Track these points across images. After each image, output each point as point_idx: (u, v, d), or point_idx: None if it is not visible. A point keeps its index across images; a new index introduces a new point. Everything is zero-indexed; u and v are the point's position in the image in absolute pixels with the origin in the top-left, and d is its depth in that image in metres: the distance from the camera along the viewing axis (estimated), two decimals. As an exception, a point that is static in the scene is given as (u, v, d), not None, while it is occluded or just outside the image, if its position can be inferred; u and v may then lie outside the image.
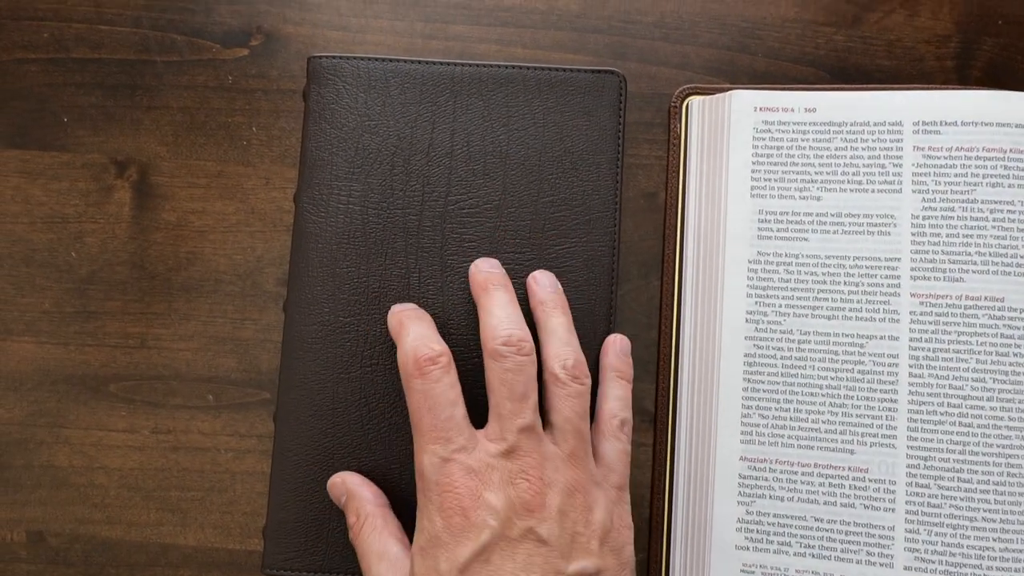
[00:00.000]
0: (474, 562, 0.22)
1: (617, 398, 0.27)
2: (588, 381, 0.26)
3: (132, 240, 0.33)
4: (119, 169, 0.34)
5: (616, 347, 0.28)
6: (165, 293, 0.33)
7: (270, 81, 0.34)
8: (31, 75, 0.34)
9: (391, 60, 0.30)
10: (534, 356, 0.25)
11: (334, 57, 0.30)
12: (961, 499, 0.28)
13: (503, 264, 0.29)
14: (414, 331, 0.26)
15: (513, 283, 0.29)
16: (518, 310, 0.26)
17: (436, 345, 0.25)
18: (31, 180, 0.34)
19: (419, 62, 0.30)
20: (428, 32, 0.34)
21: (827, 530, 0.29)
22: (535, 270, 0.28)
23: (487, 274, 0.27)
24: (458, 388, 0.25)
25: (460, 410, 0.24)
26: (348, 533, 0.26)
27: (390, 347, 0.29)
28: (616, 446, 0.26)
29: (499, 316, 0.25)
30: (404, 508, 0.28)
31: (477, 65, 0.30)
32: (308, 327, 0.29)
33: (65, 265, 0.33)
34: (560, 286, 0.28)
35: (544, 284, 0.28)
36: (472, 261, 0.29)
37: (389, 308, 0.29)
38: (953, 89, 0.31)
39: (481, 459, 0.24)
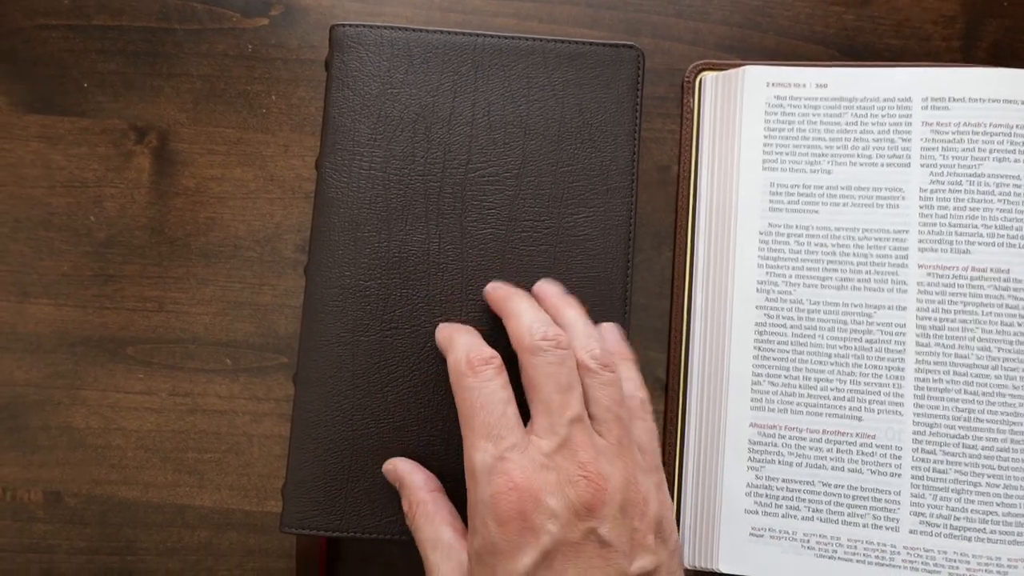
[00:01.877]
0: (536, 570, 0.21)
1: (630, 379, 0.27)
2: (616, 368, 0.25)
3: (151, 205, 0.34)
4: (139, 135, 0.34)
5: (612, 335, 0.28)
6: (184, 258, 0.33)
7: (289, 51, 0.34)
8: (52, 41, 0.34)
9: (414, 30, 0.31)
10: (571, 350, 0.25)
11: (358, 25, 0.31)
12: (966, 465, 0.29)
13: (522, 232, 0.30)
14: (464, 340, 0.26)
15: (535, 252, 0.29)
16: (544, 313, 0.26)
17: (487, 350, 0.25)
18: (51, 145, 0.34)
19: (442, 32, 0.31)
20: (446, 5, 0.35)
21: (834, 494, 0.30)
22: (543, 279, 0.29)
23: (504, 288, 0.28)
24: (511, 390, 0.24)
25: (513, 408, 0.24)
26: (406, 519, 0.26)
27: (410, 311, 0.29)
28: (643, 426, 0.26)
29: (530, 316, 0.25)
30: (428, 468, 0.28)
31: (499, 37, 0.31)
32: (329, 290, 0.29)
33: (84, 229, 0.33)
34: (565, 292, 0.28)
35: (549, 290, 0.28)
36: (492, 228, 0.29)
37: (409, 272, 0.29)
38: (962, 67, 0.31)
39: (535, 458, 0.23)
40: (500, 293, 0.27)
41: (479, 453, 0.23)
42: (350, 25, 0.31)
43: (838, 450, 0.30)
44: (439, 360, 0.29)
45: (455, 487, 0.28)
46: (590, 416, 0.24)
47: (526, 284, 0.29)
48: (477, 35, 0.31)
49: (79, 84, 0.34)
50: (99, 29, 0.34)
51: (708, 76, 0.34)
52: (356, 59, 0.30)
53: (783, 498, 0.30)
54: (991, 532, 0.29)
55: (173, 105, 0.34)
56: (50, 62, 0.34)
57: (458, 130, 0.30)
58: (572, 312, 0.26)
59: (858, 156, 0.31)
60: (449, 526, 0.25)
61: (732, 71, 0.33)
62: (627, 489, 0.23)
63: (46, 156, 0.34)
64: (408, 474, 0.27)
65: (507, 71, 0.31)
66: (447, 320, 0.29)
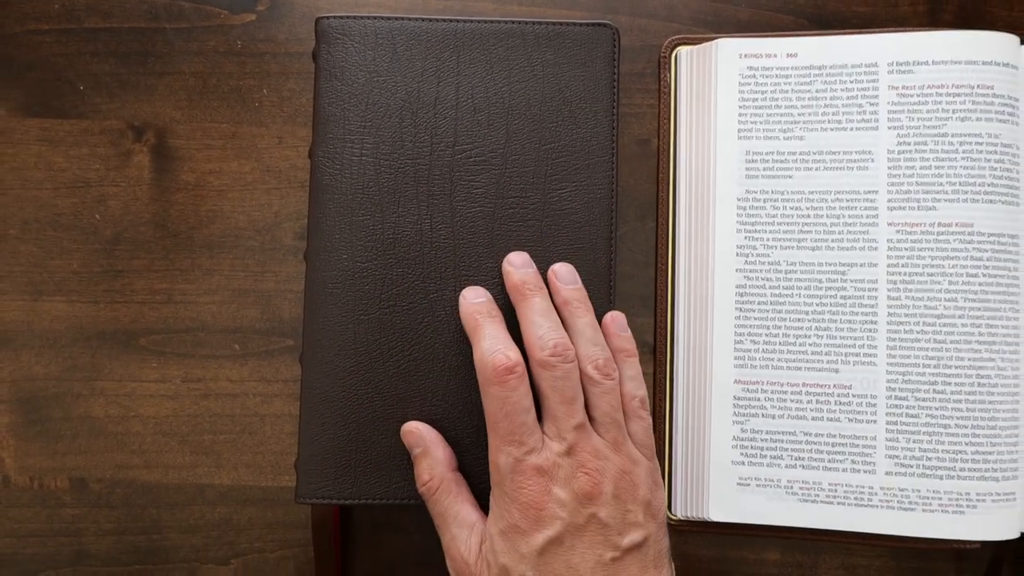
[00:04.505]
0: (549, 546, 0.26)
1: (630, 379, 0.29)
2: (616, 374, 0.29)
3: (154, 201, 0.35)
4: (136, 134, 0.35)
5: (614, 328, 0.30)
6: (188, 250, 0.35)
7: (278, 44, 0.35)
8: (45, 46, 0.35)
9: (396, 19, 0.32)
10: (576, 360, 0.28)
11: (342, 17, 0.32)
12: (936, 409, 0.31)
13: (509, 208, 0.31)
14: (490, 334, 0.28)
15: (522, 228, 0.31)
16: (556, 315, 0.29)
17: (512, 354, 0.27)
18: (52, 147, 0.35)
19: (424, 19, 0.32)
20: (427, -7, 0.36)
21: (815, 443, 0.32)
22: (555, 263, 0.30)
23: (522, 278, 0.29)
24: (531, 396, 0.27)
25: (532, 415, 0.27)
26: (416, 484, 0.29)
27: (406, 288, 0.31)
28: (640, 424, 0.29)
29: (542, 325, 0.28)
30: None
31: (478, 21, 0.32)
32: (328, 273, 0.31)
33: (90, 227, 0.35)
34: (579, 279, 0.30)
35: (566, 280, 0.30)
36: (481, 207, 0.31)
37: (403, 253, 0.31)
38: (925, 31, 0.33)
39: (548, 458, 0.27)
40: (516, 283, 0.29)
41: (503, 456, 0.27)
42: (335, 17, 0.32)
43: (817, 401, 0.32)
44: (437, 334, 0.30)
45: (456, 452, 0.30)
46: (591, 418, 0.28)
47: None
48: (457, 21, 0.32)
49: (75, 87, 0.35)
50: (90, 32, 0.35)
51: (683, 51, 0.35)
52: (342, 50, 0.32)
53: (767, 449, 0.32)
54: (960, 470, 0.31)
55: (168, 103, 0.35)
56: (45, 66, 0.35)
57: (444, 114, 0.31)
58: (582, 321, 0.29)
59: (828, 121, 0.33)
60: (471, 505, 0.29)
61: (705, 45, 0.34)
62: (620, 479, 0.27)
63: (48, 158, 0.35)
64: (434, 446, 0.29)
65: (488, 54, 0.32)
66: (471, 285, 0.30)
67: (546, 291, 0.29)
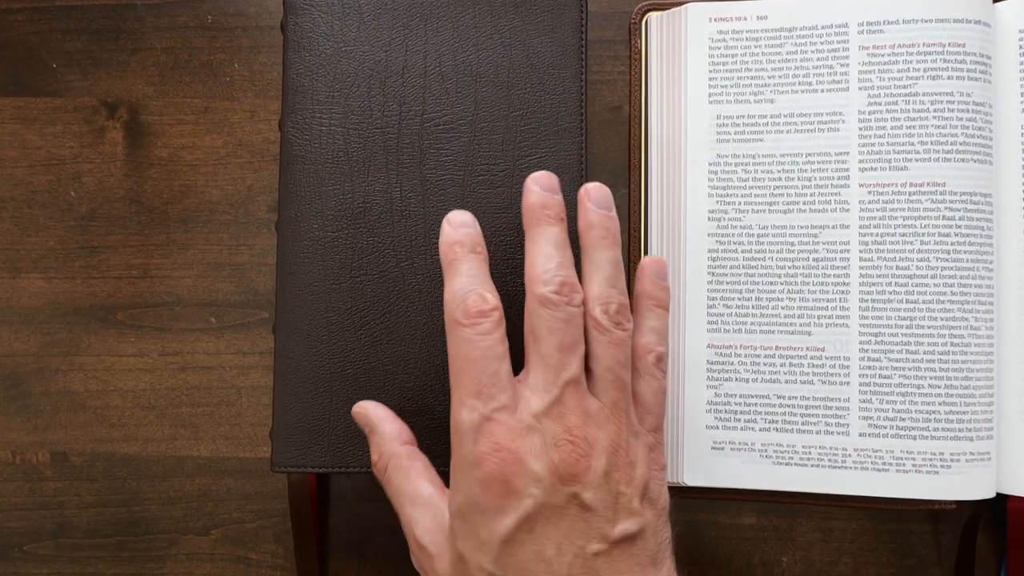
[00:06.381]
0: (517, 532, 0.21)
1: (652, 330, 0.25)
2: (631, 326, 0.24)
3: (128, 177, 0.35)
4: (110, 111, 0.35)
5: (651, 271, 0.25)
6: (163, 225, 0.35)
7: (248, 19, 0.35)
8: (18, 24, 0.36)
9: (362, -13, 0.32)
10: (582, 307, 0.23)
11: (308, -13, 0.32)
12: (909, 369, 0.31)
13: (479, 175, 0.31)
14: (466, 271, 0.24)
15: (492, 195, 0.31)
16: (570, 253, 0.24)
17: (490, 296, 0.23)
18: (27, 126, 0.35)
19: (389, -12, 0.32)
20: (397, -36, 0.36)
21: (789, 406, 0.32)
22: (589, 182, 0.25)
23: (544, 200, 0.24)
24: (506, 344, 0.23)
25: (506, 366, 0.23)
26: (372, 468, 0.26)
27: (377, 258, 0.31)
28: (652, 384, 0.24)
29: (552, 257, 0.23)
30: (405, 413, 0.30)
31: (444, -11, 0.32)
32: (299, 243, 0.31)
33: (66, 204, 0.35)
34: (614, 208, 0.25)
35: (598, 201, 0.24)
36: (450, 174, 0.31)
37: (374, 221, 0.31)
38: (895, -10, 0.32)
39: (523, 419, 0.22)
40: (534, 205, 0.24)
41: (466, 411, 0.22)
42: (301, -13, 0.32)
43: (790, 364, 0.32)
44: (409, 303, 0.31)
45: (429, 422, 0.30)
46: (589, 372, 0.24)
47: (488, 226, 0.30)
48: (424, -11, 0.32)
49: (48, 65, 0.35)
50: (62, 10, 0.36)
51: (653, 16, 0.35)
52: (309, 20, 0.32)
53: (741, 412, 0.32)
54: (934, 430, 0.31)
55: (140, 79, 0.35)
56: (18, 45, 0.35)
57: (412, 82, 0.31)
58: (604, 254, 0.24)
59: (799, 84, 0.33)
60: (427, 480, 0.24)
61: (675, 10, 0.34)
62: (613, 454, 0.22)
63: (23, 136, 0.35)
64: (380, 422, 0.26)
65: (455, 22, 0.32)
66: (458, 210, 0.26)
67: (567, 225, 0.24)
